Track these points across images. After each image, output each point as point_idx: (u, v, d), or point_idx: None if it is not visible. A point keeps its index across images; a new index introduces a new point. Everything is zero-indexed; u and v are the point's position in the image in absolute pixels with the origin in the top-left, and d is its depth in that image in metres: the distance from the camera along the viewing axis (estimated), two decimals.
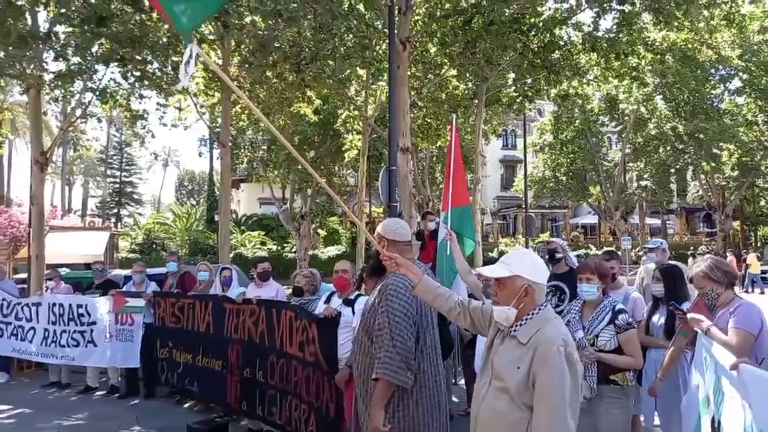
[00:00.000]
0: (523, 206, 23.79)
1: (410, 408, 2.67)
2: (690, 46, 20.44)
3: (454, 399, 5.82)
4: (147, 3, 8.06)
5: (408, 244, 2.91)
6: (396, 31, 8.31)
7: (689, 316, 3.21)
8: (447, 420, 2.83)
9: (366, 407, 2.77)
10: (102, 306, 6.77)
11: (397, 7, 8.73)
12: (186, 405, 6.30)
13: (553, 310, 2.28)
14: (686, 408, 3.30)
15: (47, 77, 9.44)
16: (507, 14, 10.46)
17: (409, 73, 10.77)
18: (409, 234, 2.97)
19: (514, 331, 2.17)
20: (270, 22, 9.17)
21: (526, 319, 2.16)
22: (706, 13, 13.37)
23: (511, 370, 2.10)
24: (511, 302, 2.17)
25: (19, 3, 7.96)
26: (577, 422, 2.03)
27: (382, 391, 2.63)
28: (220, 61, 11.04)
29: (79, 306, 6.86)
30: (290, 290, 5.65)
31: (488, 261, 5.32)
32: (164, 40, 9.64)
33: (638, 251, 24.83)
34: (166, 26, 9.73)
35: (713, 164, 26.71)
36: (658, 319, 3.96)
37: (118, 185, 53.67)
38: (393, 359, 2.59)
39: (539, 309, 2.18)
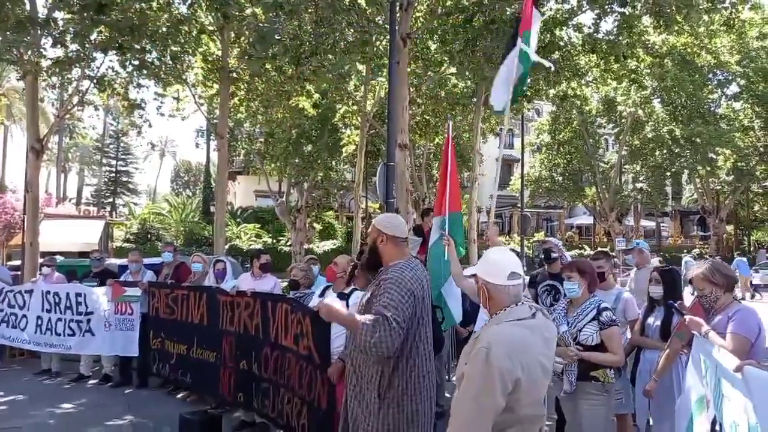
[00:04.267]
0: (519, 205, 23.82)
1: (402, 401, 2.65)
2: (689, 50, 20.52)
3: (447, 395, 5.84)
4: None
5: (405, 240, 2.91)
6: (397, 27, 8.29)
7: (688, 318, 3.20)
8: (432, 417, 2.78)
9: (357, 406, 2.73)
10: (100, 295, 6.74)
11: (398, 3, 8.73)
12: (179, 395, 6.30)
13: (525, 312, 2.15)
14: (680, 409, 3.31)
15: (45, 63, 9.39)
16: (508, 13, 10.48)
17: (408, 69, 10.77)
18: (406, 229, 2.96)
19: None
20: (271, 14, 9.14)
21: (490, 320, 2.21)
22: (706, 17, 13.43)
23: (462, 364, 2.18)
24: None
25: None
26: (491, 421, 1.97)
27: (351, 321, 2.59)
28: (219, 53, 11.00)
29: (78, 295, 6.81)
30: (286, 283, 5.65)
31: None
32: (163, 29, 9.59)
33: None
34: (166, 16, 9.69)
35: (709, 168, 26.85)
36: (654, 320, 3.99)
37: (113, 174, 53.41)
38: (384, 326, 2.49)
39: (504, 310, 2.13)
